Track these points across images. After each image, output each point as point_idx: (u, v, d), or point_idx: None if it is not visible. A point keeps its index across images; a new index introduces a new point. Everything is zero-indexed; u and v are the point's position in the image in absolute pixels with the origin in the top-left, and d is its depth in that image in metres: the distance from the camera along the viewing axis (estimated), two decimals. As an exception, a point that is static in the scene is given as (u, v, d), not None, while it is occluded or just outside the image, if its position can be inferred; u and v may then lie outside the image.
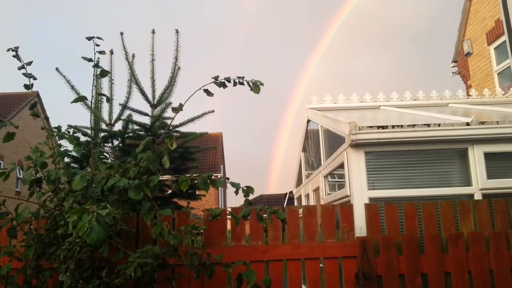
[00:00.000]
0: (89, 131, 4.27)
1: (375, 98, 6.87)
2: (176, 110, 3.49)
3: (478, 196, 4.00)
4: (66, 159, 3.99)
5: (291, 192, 10.88)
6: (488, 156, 4.11)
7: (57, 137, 3.26)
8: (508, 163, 4.18)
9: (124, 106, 4.64)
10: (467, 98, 7.03)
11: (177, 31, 4.83)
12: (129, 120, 4.49)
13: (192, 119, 4.69)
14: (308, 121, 6.96)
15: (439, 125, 4.14)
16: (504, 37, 8.07)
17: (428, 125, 4.15)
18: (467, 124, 4.13)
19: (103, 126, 4.65)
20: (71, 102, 3.04)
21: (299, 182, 8.54)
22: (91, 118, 4.11)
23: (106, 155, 4.05)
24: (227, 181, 2.98)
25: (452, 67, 10.54)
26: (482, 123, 4.14)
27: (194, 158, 4.82)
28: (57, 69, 4.45)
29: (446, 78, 10.62)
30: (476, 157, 4.09)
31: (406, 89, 7.02)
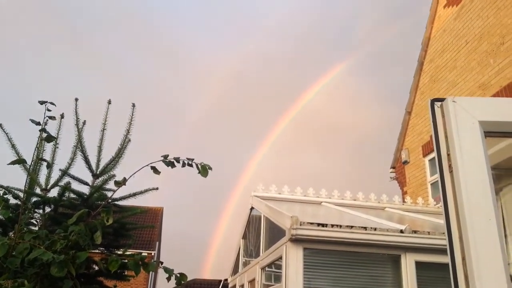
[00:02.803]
0: (21, 194, 4.02)
1: (318, 193, 7.08)
2: (119, 184, 3.40)
3: (408, 305, 4.06)
4: (-11, 222, 3.68)
5: (226, 280, 10.49)
6: (419, 265, 4.25)
7: (-16, 197, 3.04)
8: (437, 274, 4.34)
9: (64, 172, 4.44)
10: (403, 204, 7.42)
11: (133, 105, 4.86)
12: (66, 188, 4.28)
13: (134, 194, 4.55)
14: (252, 208, 6.98)
15: (375, 229, 4.30)
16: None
17: (365, 228, 4.30)
18: (401, 231, 4.31)
19: (38, 190, 4.39)
20: (9, 164, 2.90)
21: (235, 269, 8.30)
22: (26, 181, 3.88)
23: (35, 222, 3.78)
24: (160, 265, 2.86)
25: (391, 172, 11.21)
26: (415, 232, 4.35)
27: (130, 235, 4.60)
28: (0, 125, 4.26)
29: (385, 181, 11.24)
30: (408, 264, 4.22)
31: (347, 187, 7.33)
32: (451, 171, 1.38)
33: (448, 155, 1.41)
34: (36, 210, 4.08)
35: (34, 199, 4.13)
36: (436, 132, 1.45)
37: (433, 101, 1.52)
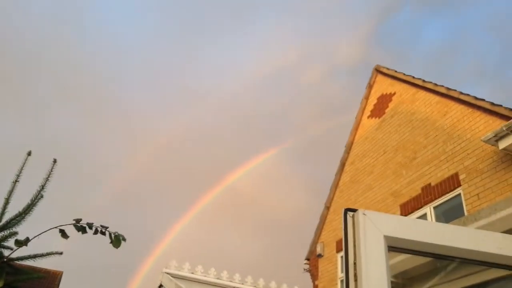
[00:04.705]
0: None
1: (231, 277, 6.96)
2: (20, 244, 3.18)
3: None
4: None
5: None
6: None
7: None
8: None
9: (-41, 222, 4.00)
10: (312, 298, 7.46)
11: (54, 160, 4.64)
12: (-44, 239, 3.84)
13: (34, 256, 4.15)
14: (161, 286, 6.63)
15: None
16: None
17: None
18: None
19: None
20: None
21: None
22: None
23: None
24: None
25: (305, 264, 11.35)
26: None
27: (19, 302, 4.12)
28: None
29: (299, 272, 11.32)
30: None
31: (262, 271, 7.29)
32: (356, 280, 1.49)
33: (355, 263, 1.52)
34: None
35: None
36: (346, 240, 1.58)
37: (346, 210, 1.67)
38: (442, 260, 2.10)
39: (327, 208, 11.03)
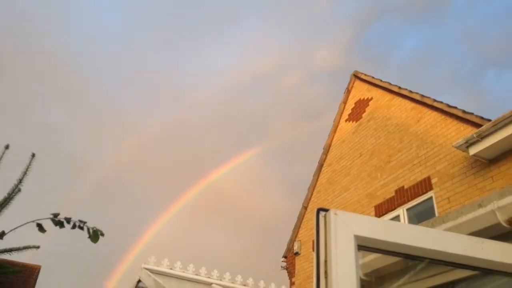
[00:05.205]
0: None
1: (210, 273, 7.02)
2: (-4, 237, 3.18)
3: None
4: None
5: None
6: None
7: None
8: None
9: None
10: (288, 296, 7.60)
11: (33, 155, 4.61)
12: None
13: (10, 250, 4.14)
14: (139, 281, 6.64)
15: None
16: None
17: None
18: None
19: None
20: None
21: None
22: None
23: None
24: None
25: (282, 261, 11.50)
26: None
27: (-7, 296, 4.10)
28: None
29: (277, 269, 11.45)
30: None
31: (240, 268, 7.39)
32: (326, 277, 1.59)
33: (326, 261, 1.62)
34: None
35: None
36: (318, 239, 1.68)
37: (319, 210, 1.76)
38: (411, 259, 2.20)
39: (305, 208, 11.20)
